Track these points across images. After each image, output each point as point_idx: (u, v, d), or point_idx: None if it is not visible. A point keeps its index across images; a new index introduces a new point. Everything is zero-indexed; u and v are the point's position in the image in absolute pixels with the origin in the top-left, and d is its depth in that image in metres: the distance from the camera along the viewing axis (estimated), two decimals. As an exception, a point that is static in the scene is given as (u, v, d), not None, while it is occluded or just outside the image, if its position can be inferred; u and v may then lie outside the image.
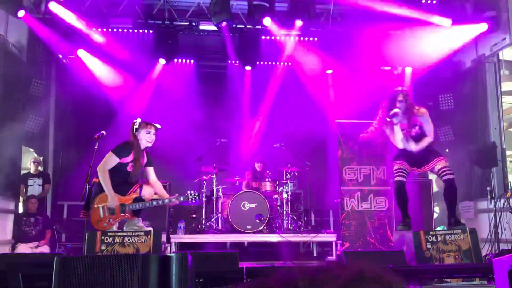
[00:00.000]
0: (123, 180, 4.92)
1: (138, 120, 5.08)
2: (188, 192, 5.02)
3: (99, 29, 8.22)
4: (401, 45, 8.25)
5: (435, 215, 7.84)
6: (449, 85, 8.51)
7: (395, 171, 5.43)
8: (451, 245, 4.54)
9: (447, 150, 8.41)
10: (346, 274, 0.56)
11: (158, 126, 5.16)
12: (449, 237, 4.58)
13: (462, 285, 4.32)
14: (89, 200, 4.81)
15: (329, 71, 9.21)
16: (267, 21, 7.75)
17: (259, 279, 0.60)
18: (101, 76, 8.79)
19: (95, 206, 4.80)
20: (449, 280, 4.36)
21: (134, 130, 5.02)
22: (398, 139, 5.34)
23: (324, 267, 0.59)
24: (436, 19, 7.72)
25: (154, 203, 4.90)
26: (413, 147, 5.35)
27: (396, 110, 5.22)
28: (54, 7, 7.45)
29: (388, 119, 5.34)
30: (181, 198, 4.96)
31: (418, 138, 5.37)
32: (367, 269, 0.58)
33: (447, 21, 7.68)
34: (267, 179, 7.89)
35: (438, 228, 6.74)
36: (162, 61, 8.68)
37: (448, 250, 4.51)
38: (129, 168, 4.95)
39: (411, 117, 5.32)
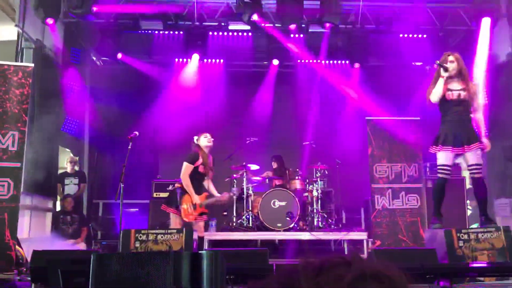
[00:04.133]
0: (198, 183, 5.76)
1: (196, 137, 5.90)
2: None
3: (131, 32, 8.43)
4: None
5: (469, 212, 7.69)
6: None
7: (438, 167, 5.02)
8: (484, 244, 4.44)
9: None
10: (349, 274, 0.58)
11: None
12: (482, 235, 4.48)
13: (496, 284, 4.25)
14: (172, 197, 5.78)
15: (357, 65, 9.16)
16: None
17: (262, 280, 0.63)
18: (134, 78, 9.02)
19: (184, 206, 5.64)
20: (482, 279, 4.29)
21: (196, 141, 5.85)
22: (437, 91, 4.86)
23: (327, 265, 0.61)
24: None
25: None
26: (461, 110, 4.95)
27: (448, 65, 4.91)
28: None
29: (436, 63, 4.95)
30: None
31: (464, 104, 4.97)
32: (368, 267, 0.59)
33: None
34: (297, 177, 7.90)
35: (472, 226, 6.62)
36: (196, 57, 8.82)
37: (481, 249, 4.43)
38: (200, 170, 5.71)
39: (463, 81, 4.93)
